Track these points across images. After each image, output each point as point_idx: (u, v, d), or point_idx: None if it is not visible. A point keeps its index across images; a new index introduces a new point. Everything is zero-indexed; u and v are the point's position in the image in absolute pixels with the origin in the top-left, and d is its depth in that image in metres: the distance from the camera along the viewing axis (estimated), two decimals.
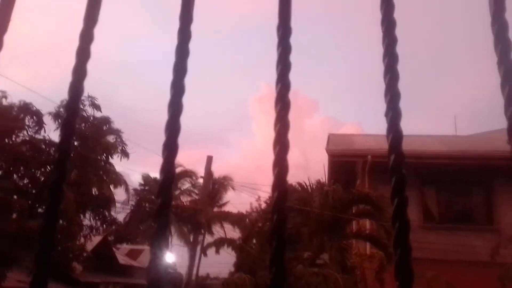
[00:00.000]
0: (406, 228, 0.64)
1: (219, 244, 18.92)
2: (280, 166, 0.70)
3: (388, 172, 0.68)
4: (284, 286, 0.65)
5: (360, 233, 14.18)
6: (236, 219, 21.65)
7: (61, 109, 18.11)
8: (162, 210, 0.69)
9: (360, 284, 12.30)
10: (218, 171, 26.25)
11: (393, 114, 0.71)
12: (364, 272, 12.23)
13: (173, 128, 0.75)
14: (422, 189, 14.40)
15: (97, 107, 18.25)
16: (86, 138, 17.68)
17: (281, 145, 0.71)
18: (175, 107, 0.77)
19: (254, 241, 19.16)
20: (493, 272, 9.25)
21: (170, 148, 0.74)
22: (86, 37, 0.86)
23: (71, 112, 0.83)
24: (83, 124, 17.99)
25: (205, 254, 21.12)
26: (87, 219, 20.02)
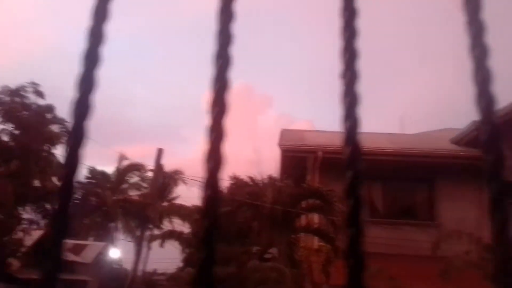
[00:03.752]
0: (360, 235, 0.54)
1: (166, 237, 18.49)
2: (214, 160, 0.58)
3: (343, 167, 0.57)
4: None
5: (309, 227, 14.35)
6: (187, 213, 21.28)
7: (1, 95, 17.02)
8: (60, 213, 0.54)
9: (307, 277, 12.46)
10: (171, 165, 25.59)
11: (351, 98, 0.60)
12: (311, 266, 12.39)
13: (81, 109, 0.60)
14: (368, 184, 14.79)
15: (40, 94, 17.29)
16: (28, 127, 16.70)
17: (216, 132, 0.58)
18: (87, 83, 0.62)
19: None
20: (435, 266, 9.63)
21: (77, 134, 0.59)
22: None
23: None
24: (25, 112, 16.98)
25: (149, 247, 20.63)
26: (27, 213, 18.99)
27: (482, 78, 0.60)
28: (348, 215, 0.55)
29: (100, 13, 0.64)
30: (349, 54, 0.62)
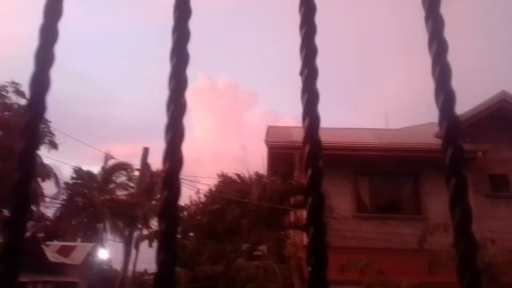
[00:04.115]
0: (322, 232, 0.53)
1: (153, 237, 18.35)
2: (172, 160, 0.56)
3: (303, 164, 0.56)
4: None
5: (297, 224, 14.39)
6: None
7: None
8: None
9: (295, 274, 12.50)
10: (158, 164, 25.41)
11: (310, 95, 0.59)
12: (299, 262, 12.43)
13: (35, 108, 0.58)
14: (356, 180, 14.89)
15: (21, 94, 17.03)
16: (10, 127, 16.45)
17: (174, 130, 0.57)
18: (40, 83, 0.60)
19: (192, 234, 18.90)
20: (421, 259, 9.74)
21: (31, 134, 0.57)
22: None
23: None
24: (6, 112, 16.72)
25: (137, 248, 20.45)
26: None
27: (441, 72, 0.60)
28: (309, 213, 0.54)
29: (53, 11, 0.63)
30: (307, 51, 0.62)
